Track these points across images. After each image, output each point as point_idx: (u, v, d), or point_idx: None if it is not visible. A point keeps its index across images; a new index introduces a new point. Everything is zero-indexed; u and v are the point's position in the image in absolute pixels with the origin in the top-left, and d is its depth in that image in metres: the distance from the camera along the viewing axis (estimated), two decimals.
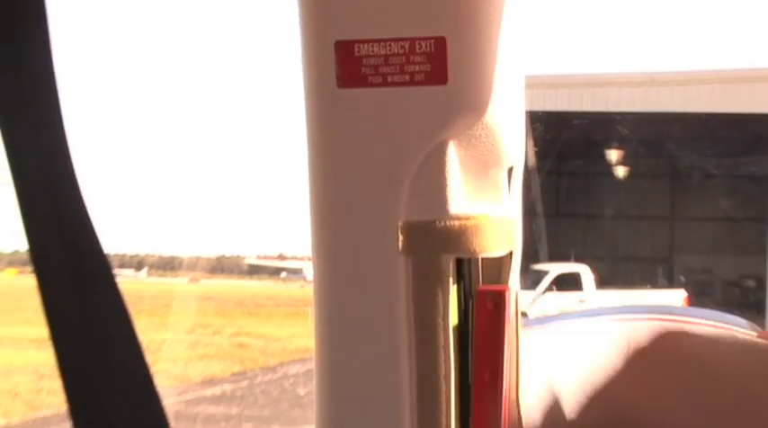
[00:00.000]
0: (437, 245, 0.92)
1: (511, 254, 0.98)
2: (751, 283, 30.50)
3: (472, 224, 0.92)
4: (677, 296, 22.46)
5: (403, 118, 0.91)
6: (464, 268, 0.98)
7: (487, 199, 0.95)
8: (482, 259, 0.98)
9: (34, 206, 0.92)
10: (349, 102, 0.93)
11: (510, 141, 0.95)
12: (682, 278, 31.05)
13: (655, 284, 28.74)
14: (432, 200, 0.92)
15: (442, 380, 0.94)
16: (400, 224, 0.92)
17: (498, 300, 0.97)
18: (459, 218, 0.92)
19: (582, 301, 20.59)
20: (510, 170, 0.97)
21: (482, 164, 0.94)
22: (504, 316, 0.96)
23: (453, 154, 0.92)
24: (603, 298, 21.25)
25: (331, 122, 0.93)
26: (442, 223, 0.92)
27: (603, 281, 25.17)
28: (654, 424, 0.94)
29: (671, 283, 29.84)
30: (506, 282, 0.99)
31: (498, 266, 0.99)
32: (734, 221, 33.05)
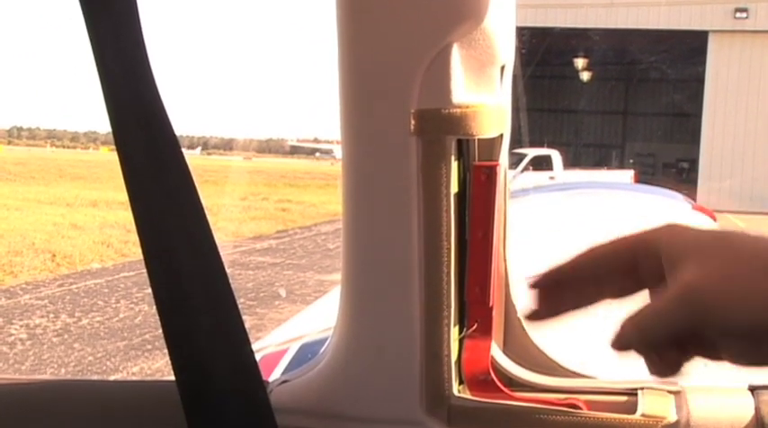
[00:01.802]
0: (442, 128, 0.91)
1: (501, 136, 0.97)
2: (685, 165, 30.54)
3: (471, 111, 0.91)
4: (626, 175, 22.48)
5: (416, 22, 0.89)
6: (463, 147, 0.97)
7: (483, 91, 0.93)
8: (478, 140, 0.96)
9: (115, 93, 0.90)
10: (375, 7, 0.90)
11: (502, 44, 0.93)
12: (631, 161, 31.08)
13: (609, 166, 28.76)
14: (439, 92, 0.90)
15: (445, 237, 0.93)
16: (413, 110, 0.90)
17: (491, 173, 0.96)
18: (460, 106, 0.90)
19: (552, 178, 20.67)
20: (502, 68, 0.95)
21: (480, 63, 0.92)
22: (495, 186, 0.96)
23: (456, 54, 0.90)
24: (569, 176, 21.32)
25: (358, 24, 0.91)
26: (447, 110, 0.90)
27: (569, 163, 25.24)
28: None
29: (622, 165, 29.87)
30: (497, 159, 0.98)
31: (491, 146, 0.98)
32: (674, 116, 32.95)
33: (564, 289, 0.87)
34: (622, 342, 0.77)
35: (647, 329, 0.76)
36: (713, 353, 0.78)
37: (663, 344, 0.76)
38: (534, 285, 0.88)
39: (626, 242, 0.82)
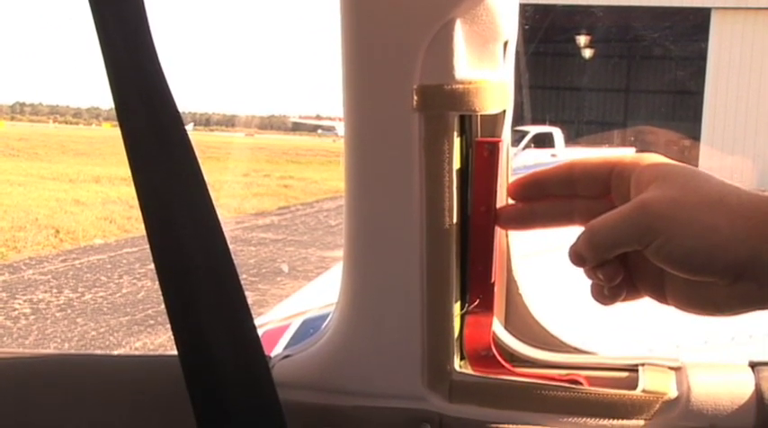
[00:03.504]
0: (445, 103, 0.90)
1: (504, 112, 0.96)
2: (687, 143, 30.49)
3: (473, 87, 0.90)
4: (628, 153, 22.42)
5: None
6: (466, 123, 0.96)
7: (486, 67, 0.92)
8: (481, 116, 0.96)
9: (118, 68, 0.90)
10: None
11: (505, 20, 0.92)
12: (632, 138, 31.00)
13: (611, 143, 28.72)
14: (441, 67, 0.89)
15: (447, 212, 0.93)
16: (415, 86, 0.90)
17: (493, 149, 0.95)
18: (462, 82, 0.90)
19: (554, 156, 20.65)
20: (505, 44, 0.94)
21: (482, 39, 0.91)
22: (497, 162, 0.95)
23: (459, 29, 0.89)
24: (570, 154, 21.29)
25: (361, 1, 0.90)
26: (449, 86, 0.89)
27: (571, 141, 25.20)
28: None
29: (624, 142, 29.81)
30: (500, 135, 0.97)
31: (493, 122, 0.97)
32: (676, 94, 32.85)
33: (539, 200, 0.90)
34: (576, 252, 0.79)
35: (595, 237, 0.78)
36: (659, 290, 0.80)
37: (610, 258, 0.79)
38: (513, 190, 0.92)
39: (603, 162, 0.85)
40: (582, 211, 0.86)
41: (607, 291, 0.82)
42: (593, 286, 0.83)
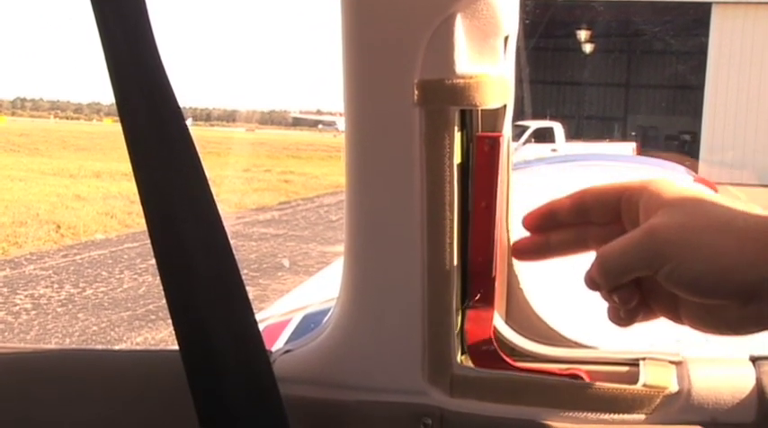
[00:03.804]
0: (445, 98, 0.90)
1: (504, 107, 0.96)
2: (687, 138, 30.49)
3: (474, 81, 0.90)
4: (629, 147, 22.44)
5: None
6: (467, 118, 0.96)
7: (487, 61, 0.92)
8: (481, 110, 0.96)
9: (118, 63, 0.89)
10: None
11: (506, 15, 0.92)
12: (633, 133, 30.99)
13: (611, 138, 28.70)
14: (442, 62, 0.89)
15: (448, 207, 0.93)
16: (416, 81, 0.90)
17: (494, 144, 0.95)
18: (463, 77, 0.90)
19: (554, 151, 20.65)
20: (506, 39, 0.94)
21: (483, 33, 0.91)
22: (498, 157, 0.95)
23: (460, 24, 0.89)
24: (571, 148, 21.29)
25: None
26: (450, 80, 0.89)
27: (571, 135, 25.20)
28: None
29: (624, 137, 29.80)
30: (500, 130, 0.97)
31: (494, 117, 0.97)
32: (676, 88, 32.85)
33: (552, 230, 0.90)
34: (590, 278, 0.81)
35: (606, 263, 0.79)
36: (674, 311, 0.81)
37: (623, 283, 0.80)
38: (527, 222, 0.92)
39: (613, 189, 0.85)
40: (595, 238, 0.87)
41: (623, 314, 0.82)
42: (609, 309, 0.84)
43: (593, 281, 0.81)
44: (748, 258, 0.71)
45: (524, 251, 0.94)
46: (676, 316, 0.81)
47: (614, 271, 0.78)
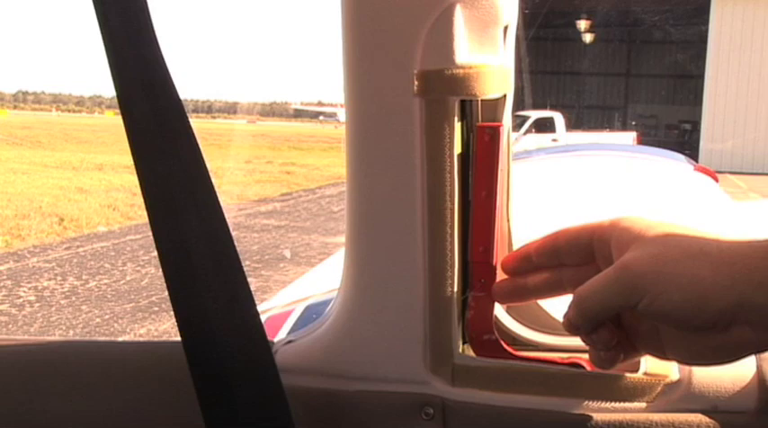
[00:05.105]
0: (445, 88, 0.90)
1: (505, 96, 0.96)
2: (688, 127, 30.45)
3: (474, 71, 0.90)
4: (629, 137, 22.41)
5: None
6: (467, 108, 0.96)
7: (487, 51, 0.92)
8: (481, 100, 0.96)
9: (119, 55, 0.89)
10: None
11: (505, 4, 0.92)
12: (633, 122, 30.96)
13: (612, 128, 28.67)
14: (442, 52, 0.89)
15: (448, 197, 0.93)
16: (415, 71, 0.89)
17: (494, 134, 0.95)
18: (463, 67, 0.89)
19: (555, 140, 20.63)
20: (505, 28, 0.94)
21: (482, 23, 0.91)
22: (498, 146, 0.95)
23: (459, 14, 0.88)
24: (572, 138, 21.27)
25: None
26: (450, 71, 0.89)
27: (572, 125, 25.17)
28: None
29: (624, 127, 29.77)
30: (501, 120, 0.97)
31: (494, 107, 0.97)
32: (676, 77, 32.79)
33: (530, 273, 0.92)
34: (568, 321, 0.81)
35: (584, 305, 0.79)
36: (657, 347, 0.81)
37: (601, 323, 0.80)
38: (505, 266, 0.94)
39: (584, 230, 0.86)
40: (571, 280, 0.88)
41: (604, 356, 0.83)
42: (590, 352, 0.85)
43: (571, 324, 0.81)
44: (725, 282, 0.71)
45: (504, 294, 0.95)
46: (661, 352, 0.82)
47: (592, 310, 0.79)
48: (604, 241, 0.82)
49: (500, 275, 1.00)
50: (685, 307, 0.72)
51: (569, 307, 0.81)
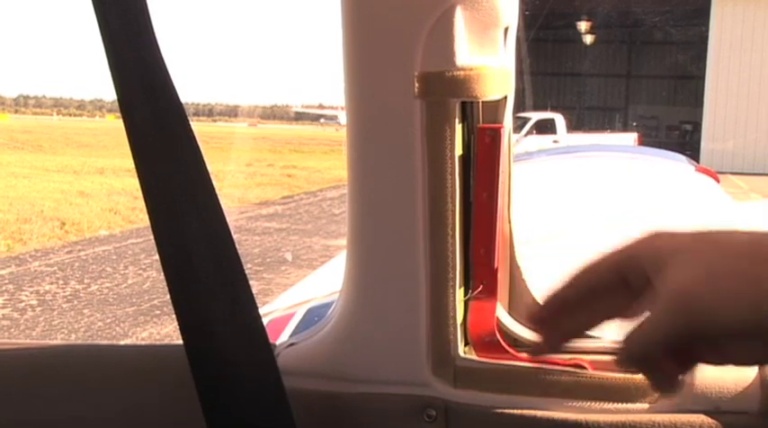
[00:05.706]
0: (446, 90, 0.90)
1: (505, 98, 0.96)
2: (688, 127, 30.42)
3: (475, 73, 0.90)
4: (630, 138, 22.38)
5: None
6: (468, 109, 0.96)
7: (487, 53, 0.92)
8: (482, 102, 0.96)
9: (120, 60, 0.89)
10: None
11: (505, 6, 0.92)
12: (634, 123, 30.93)
13: (613, 129, 28.65)
14: (442, 54, 0.89)
15: (449, 199, 0.93)
16: (416, 73, 0.90)
17: (495, 135, 0.95)
18: (464, 69, 0.89)
19: (556, 142, 20.61)
20: (505, 30, 0.94)
21: (483, 25, 0.91)
22: (499, 148, 0.95)
23: (460, 16, 0.89)
24: (573, 139, 21.25)
25: None
26: (451, 72, 0.89)
27: (573, 126, 25.15)
28: None
29: (625, 128, 29.75)
30: (501, 122, 0.97)
31: (495, 108, 0.97)
32: (677, 78, 32.76)
33: (567, 314, 0.83)
34: (625, 360, 0.75)
35: (644, 343, 0.73)
36: (717, 357, 0.76)
37: (663, 356, 0.74)
38: (536, 316, 0.84)
39: (610, 261, 0.78)
40: (614, 308, 0.79)
41: (668, 384, 0.77)
42: (651, 381, 0.78)
43: (628, 362, 0.75)
44: None
45: (546, 349, 0.86)
46: (719, 358, 0.74)
47: (652, 348, 0.73)
48: (635, 269, 0.76)
49: (501, 277, 1.00)
50: (748, 320, 0.67)
51: (622, 344, 0.75)
